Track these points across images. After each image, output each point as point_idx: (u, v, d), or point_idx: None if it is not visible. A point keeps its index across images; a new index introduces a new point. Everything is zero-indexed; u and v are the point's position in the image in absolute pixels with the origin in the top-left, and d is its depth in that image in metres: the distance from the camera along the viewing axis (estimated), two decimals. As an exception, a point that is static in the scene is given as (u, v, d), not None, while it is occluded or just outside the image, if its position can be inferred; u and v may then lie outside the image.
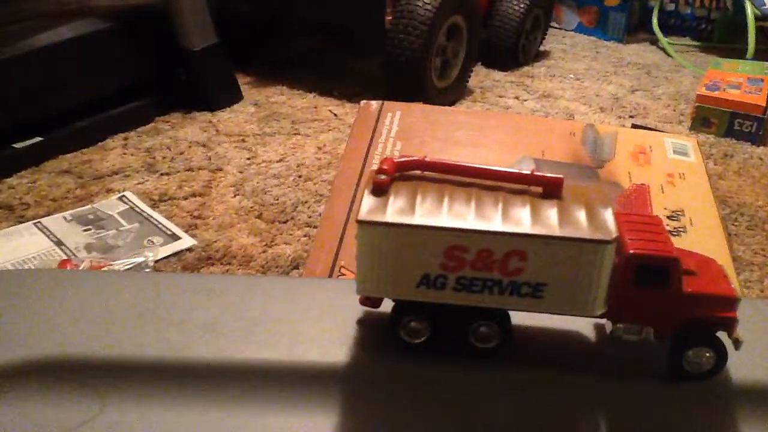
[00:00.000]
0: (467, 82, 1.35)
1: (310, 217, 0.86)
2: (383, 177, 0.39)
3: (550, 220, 0.38)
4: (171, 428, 0.39)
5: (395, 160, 0.40)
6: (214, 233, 0.82)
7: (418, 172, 0.41)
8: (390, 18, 1.18)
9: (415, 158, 0.40)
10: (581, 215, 0.38)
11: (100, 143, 1.04)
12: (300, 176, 0.96)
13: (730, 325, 0.40)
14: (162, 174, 0.96)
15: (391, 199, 0.39)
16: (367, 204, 0.38)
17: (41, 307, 0.47)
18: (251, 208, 0.88)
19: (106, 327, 0.45)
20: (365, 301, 0.43)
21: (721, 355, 0.41)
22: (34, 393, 0.41)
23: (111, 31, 1.08)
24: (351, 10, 1.25)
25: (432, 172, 0.41)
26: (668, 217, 0.71)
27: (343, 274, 0.65)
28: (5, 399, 0.40)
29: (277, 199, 0.90)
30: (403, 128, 0.81)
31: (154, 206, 0.88)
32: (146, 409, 0.40)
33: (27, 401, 0.40)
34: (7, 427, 0.39)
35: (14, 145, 0.96)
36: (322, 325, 0.45)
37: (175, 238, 0.81)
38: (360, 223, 0.38)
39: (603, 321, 0.41)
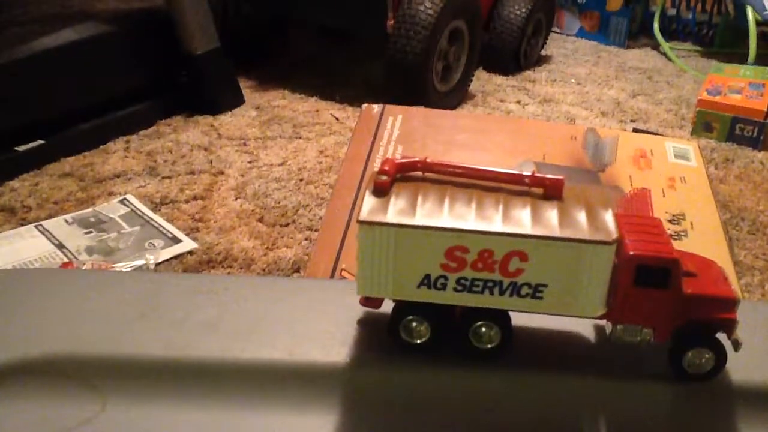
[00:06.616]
0: (469, 86, 1.35)
1: (311, 220, 0.86)
2: (384, 178, 0.39)
3: (550, 221, 0.38)
4: (172, 427, 0.40)
5: (397, 161, 0.40)
6: (216, 236, 0.82)
7: (419, 173, 0.41)
8: (392, 22, 1.19)
9: (417, 159, 0.41)
10: (582, 216, 0.38)
11: (101, 146, 1.04)
12: (301, 180, 0.96)
13: (729, 326, 0.40)
14: (163, 177, 0.96)
15: (393, 199, 0.39)
16: (369, 204, 0.39)
17: (43, 306, 0.47)
18: (252, 211, 0.88)
19: (107, 326, 0.45)
20: (366, 301, 0.43)
21: (721, 356, 0.41)
22: (35, 391, 0.41)
23: (113, 35, 1.09)
24: (353, 14, 1.25)
25: (433, 174, 0.41)
26: (669, 221, 0.72)
27: (344, 278, 0.65)
28: (7, 397, 0.40)
29: (279, 203, 0.90)
30: (404, 132, 0.81)
31: (155, 209, 0.88)
32: (147, 408, 0.40)
33: (28, 399, 0.40)
34: (8, 424, 0.39)
35: (16, 148, 0.96)
36: (322, 325, 0.45)
37: (176, 241, 0.81)
38: (361, 223, 0.38)
39: (603, 322, 0.41)
